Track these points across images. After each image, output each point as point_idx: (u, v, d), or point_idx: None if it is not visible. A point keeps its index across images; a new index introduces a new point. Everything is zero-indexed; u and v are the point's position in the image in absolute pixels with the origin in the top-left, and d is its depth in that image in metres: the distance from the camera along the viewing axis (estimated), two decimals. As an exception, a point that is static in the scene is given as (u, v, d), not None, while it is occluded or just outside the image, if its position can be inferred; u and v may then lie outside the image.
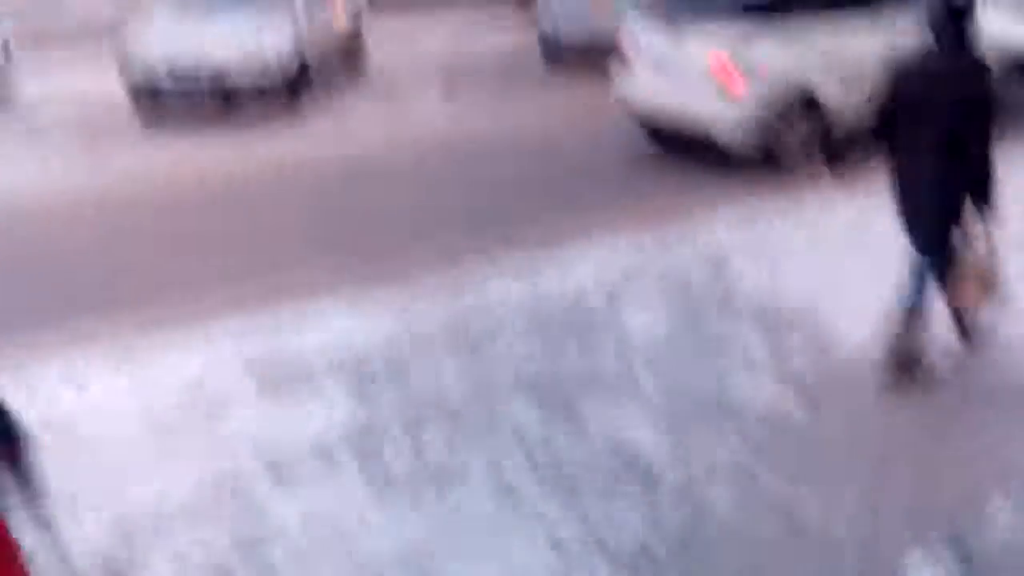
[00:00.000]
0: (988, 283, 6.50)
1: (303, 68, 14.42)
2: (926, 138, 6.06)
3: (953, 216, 6.17)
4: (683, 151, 12.12)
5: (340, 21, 16.01)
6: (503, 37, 18.12)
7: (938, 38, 6.01)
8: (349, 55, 16.18)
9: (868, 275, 8.27)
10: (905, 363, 6.52)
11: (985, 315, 6.97)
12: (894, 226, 9.14)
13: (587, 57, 16.66)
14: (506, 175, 11.74)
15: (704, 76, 10.66)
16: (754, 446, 6.01)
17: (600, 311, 7.94)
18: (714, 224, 9.64)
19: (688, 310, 7.86)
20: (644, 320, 7.74)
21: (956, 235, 6.28)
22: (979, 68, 5.93)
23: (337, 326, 7.91)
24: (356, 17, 16.58)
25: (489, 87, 15.67)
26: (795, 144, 10.78)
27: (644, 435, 6.18)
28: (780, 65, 10.59)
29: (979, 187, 6.03)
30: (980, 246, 6.37)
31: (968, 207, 6.15)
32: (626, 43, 11.44)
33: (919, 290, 6.39)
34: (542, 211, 10.53)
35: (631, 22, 11.33)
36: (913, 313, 6.42)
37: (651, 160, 11.97)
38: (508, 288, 8.48)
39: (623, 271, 8.68)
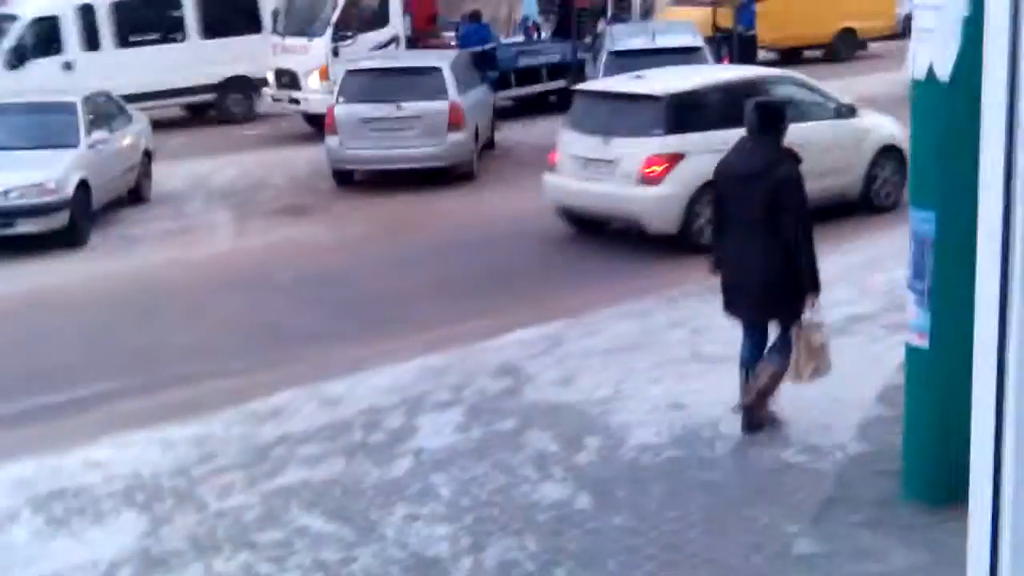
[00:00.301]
0: (816, 358, 6.93)
1: (86, 194, 14.13)
2: (745, 221, 6.95)
3: (774, 291, 6.88)
4: (597, 232, 13.40)
5: (126, 147, 15.79)
6: (297, 168, 18.15)
7: (751, 133, 7.02)
8: (136, 181, 15.93)
9: (661, 374, 8.54)
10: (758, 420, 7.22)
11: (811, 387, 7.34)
12: (688, 325, 9.52)
13: (375, 176, 16.86)
14: (292, 296, 11.71)
15: (632, 171, 12.31)
16: (548, 543, 6.09)
17: (396, 420, 7.96)
18: (509, 336, 9.80)
19: (485, 415, 7.95)
20: (438, 428, 7.79)
21: (782, 310, 6.94)
22: (789, 157, 6.90)
23: (128, 454, 7.70)
24: (144, 144, 16.38)
25: (278, 211, 15.65)
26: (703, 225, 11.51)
27: (441, 541, 6.20)
28: (691, 164, 11.97)
29: (800, 263, 6.75)
30: (808, 323, 6.87)
31: (792, 285, 6.82)
32: (558, 148, 13.29)
33: (751, 359, 7.27)
34: (331, 329, 10.54)
35: (562, 132, 13.39)
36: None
37: (437, 281, 12.15)
38: (301, 403, 8.44)
39: (419, 383, 8.74)
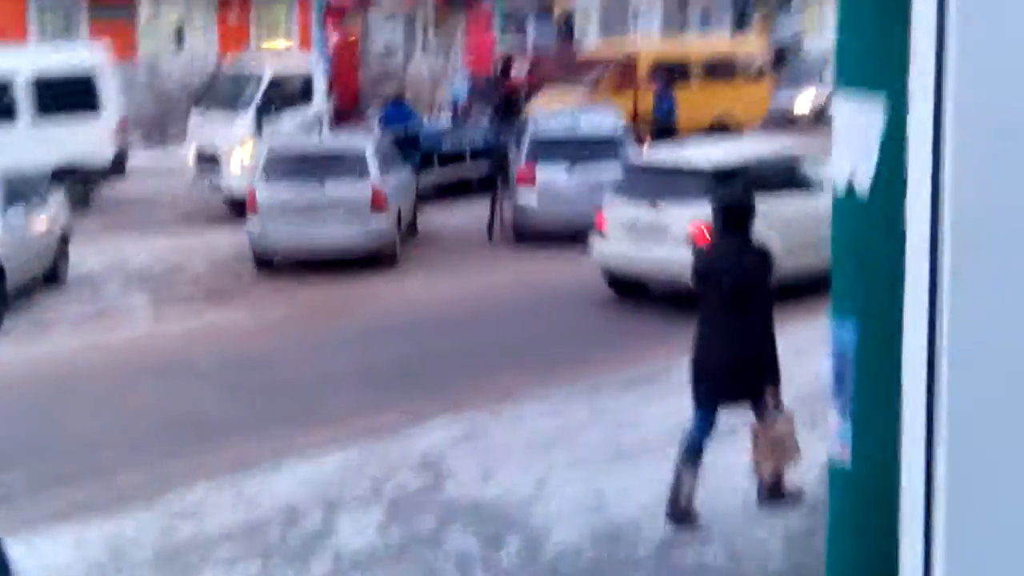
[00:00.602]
0: (777, 453, 7.07)
1: (0, 277, 13.87)
2: (715, 308, 7.42)
3: (739, 375, 7.28)
4: (644, 297, 14.20)
5: (43, 228, 15.56)
6: (218, 252, 17.99)
7: (720, 226, 7.58)
8: (52, 263, 15.67)
9: (583, 470, 8.52)
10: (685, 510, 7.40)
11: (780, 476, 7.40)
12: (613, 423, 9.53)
13: (298, 261, 16.78)
14: (210, 383, 11.56)
15: (682, 234, 12.78)
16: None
17: (314, 518, 7.85)
18: (430, 426, 9.74)
19: (405, 512, 7.87)
20: (357, 526, 7.69)
21: (755, 388, 7.32)
22: (756, 249, 7.52)
23: (37, 554, 7.49)
24: (60, 225, 16.14)
25: (198, 294, 15.48)
26: None
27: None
28: None
29: (764, 352, 7.24)
30: (768, 415, 7.17)
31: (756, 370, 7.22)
32: (606, 214, 14.12)
33: (699, 441, 7.43)
34: (251, 419, 10.41)
35: (610, 199, 14.29)
36: (693, 460, 7.41)
37: (357, 374, 12.07)
38: (217, 499, 8.29)
39: (339, 478, 8.64)
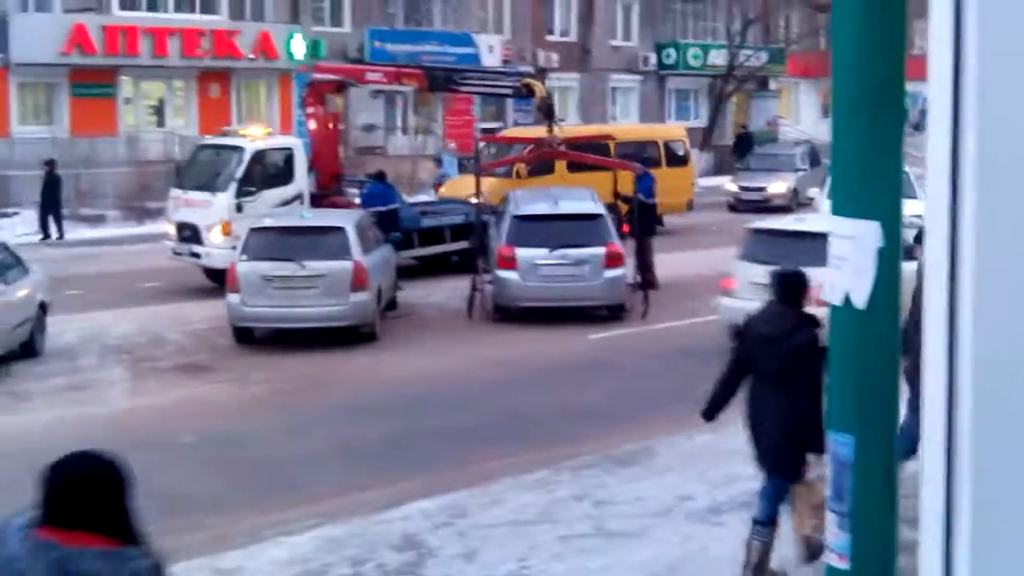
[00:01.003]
0: (819, 514, 7.08)
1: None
2: (765, 380, 7.54)
3: (792, 445, 7.36)
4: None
5: (21, 299, 15.48)
6: (197, 325, 17.95)
7: (776, 297, 7.67)
8: (29, 334, 15.57)
9: (564, 549, 8.45)
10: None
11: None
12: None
13: (277, 334, 16.75)
14: (189, 459, 11.45)
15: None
16: None
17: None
18: (411, 504, 9.66)
19: (384, 596, 7.79)
20: (340, 609, 7.60)
21: (798, 463, 7.41)
22: (809, 320, 7.47)
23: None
24: (39, 296, 16.06)
25: (176, 368, 15.39)
26: None
27: None
28: None
29: (810, 423, 7.04)
30: (817, 478, 7.14)
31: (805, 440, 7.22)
32: (735, 276, 15.13)
33: (771, 508, 7.63)
34: (229, 495, 10.31)
35: (736, 263, 15.34)
36: (769, 528, 7.64)
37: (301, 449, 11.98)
38: (193, 574, 8.18)
39: (318, 556, 8.54)
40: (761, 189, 33.80)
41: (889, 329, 3.50)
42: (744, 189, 34.26)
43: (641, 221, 19.96)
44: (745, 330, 8.00)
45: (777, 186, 33.86)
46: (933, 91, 2.41)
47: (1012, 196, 2.23)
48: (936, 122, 2.37)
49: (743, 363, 7.83)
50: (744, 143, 42.45)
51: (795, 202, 33.10)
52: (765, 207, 32.53)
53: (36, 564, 3.50)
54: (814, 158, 36.06)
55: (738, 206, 33.39)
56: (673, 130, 33.46)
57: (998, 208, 2.24)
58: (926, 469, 2.38)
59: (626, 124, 38.95)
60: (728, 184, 35.64)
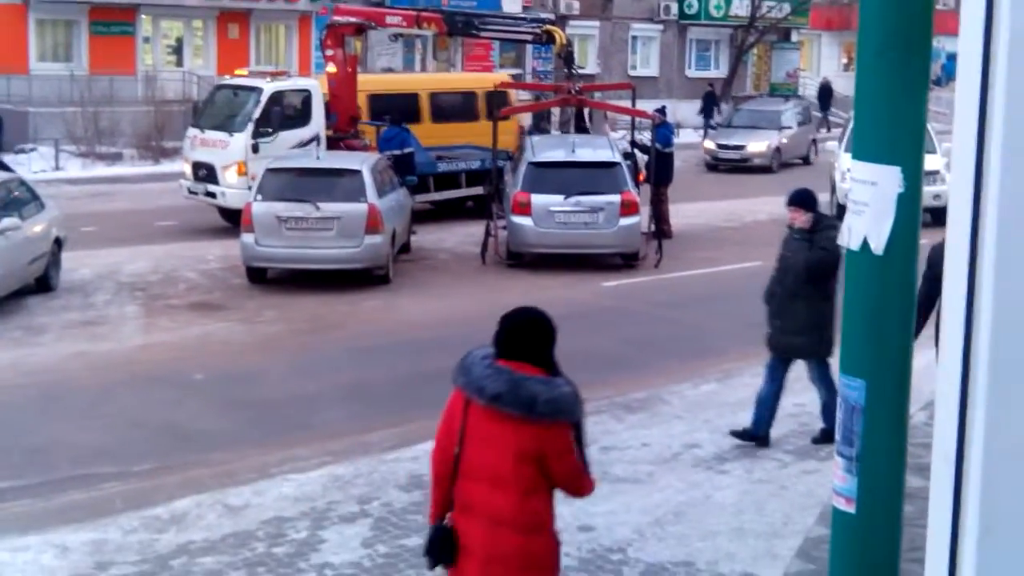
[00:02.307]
0: None
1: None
2: (792, 281, 9.04)
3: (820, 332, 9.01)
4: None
5: (37, 235, 15.51)
6: (211, 264, 18.00)
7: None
8: (44, 270, 15.62)
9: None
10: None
11: None
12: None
13: (289, 275, 16.78)
14: (200, 395, 11.52)
15: None
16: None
17: (301, 532, 7.80)
18: (422, 439, 9.71)
19: (392, 529, 7.83)
20: (346, 540, 7.65)
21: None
22: (827, 230, 8.85)
23: (21, 558, 7.44)
24: (54, 232, 16.10)
25: (189, 306, 15.44)
26: None
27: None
28: None
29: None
30: None
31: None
32: None
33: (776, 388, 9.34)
34: (239, 432, 10.37)
35: None
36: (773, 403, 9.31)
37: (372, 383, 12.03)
38: (206, 509, 8.25)
39: (326, 494, 8.60)
40: (740, 148, 32.06)
41: (906, 275, 3.48)
42: (722, 147, 32.47)
43: (657, 170, 19.88)
44: (783, 245, 9.25)
45: (757, 145, 32.08)
46: (963, 45, 2.37)
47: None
48: (965, 76, 2.33)
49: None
50: (709, 101, 40.86)
51: (777, 162, 31.98)
52: (744, 167, 31.73)
53: (497, 381, 4.82)
54: (806, 116, 35.13)
55: (718, 165, 32.12)
56: (497, 79, 27.05)
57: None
58: (938, 419, 2.38)
59: (437, 75, 34.02)
60: (707, 142, 34.08)
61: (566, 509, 8.16)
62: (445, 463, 5.05)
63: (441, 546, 5.00)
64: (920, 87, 3.50)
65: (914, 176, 3.45)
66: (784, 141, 32.87)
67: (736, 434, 9.57)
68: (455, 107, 24.92)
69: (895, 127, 3.50)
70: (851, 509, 3.54)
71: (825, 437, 9.09)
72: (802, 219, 9.18)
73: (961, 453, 2.25)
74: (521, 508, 4.84)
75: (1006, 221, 2.16)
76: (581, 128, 23.46)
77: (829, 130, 39.85)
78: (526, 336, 4.98)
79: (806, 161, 33.68)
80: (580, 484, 5.00)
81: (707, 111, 39.80)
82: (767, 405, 9.47)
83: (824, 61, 52.32)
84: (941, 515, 2.29)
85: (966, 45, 2.31)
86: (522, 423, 4.79)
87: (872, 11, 3.50)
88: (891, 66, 3.45)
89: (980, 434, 2.21)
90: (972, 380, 2.24)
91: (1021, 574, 2.21)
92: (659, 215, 19.81)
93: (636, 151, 20.60)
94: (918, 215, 3.56)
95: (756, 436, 9.50)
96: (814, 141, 34.70)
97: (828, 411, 9.04)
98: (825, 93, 43.46)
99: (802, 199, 9.30)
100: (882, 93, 3.51)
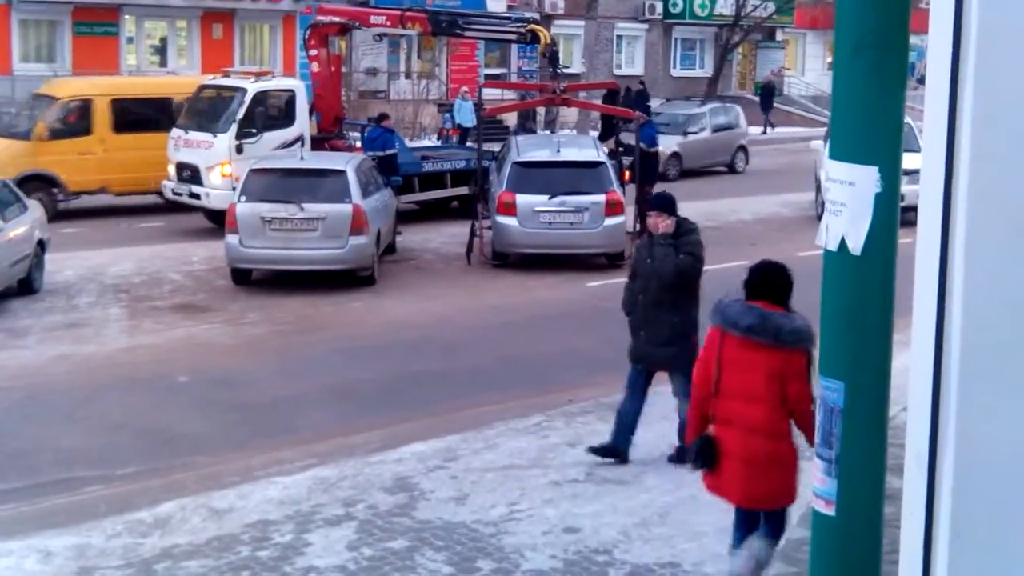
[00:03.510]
0: None
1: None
2: (657, 288, 8.80)
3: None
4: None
5: (20, 236, 15.43)
6: (195, 265, 17.94)
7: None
8: (27, 271, 15.54)
9: (556, 494, 8.48)
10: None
11: None
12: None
13: (274, 276, 16.73)
14: (184, 398, 11.48)
15: None
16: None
17: (285, 535, 7.77)
18: (404, 447, 9.69)
19: (377, 532, 7.80)
20: (331, 543, 7.62)
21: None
22: (689, 234, 8.90)
23: (3, 564, 7.39)
24: (37, 234, 16.02)
25: (174, 307, 15.38)
26: None
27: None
28: None
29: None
30: None
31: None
32: None
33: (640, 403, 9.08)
34: (223, 435, 10.34)
35: None
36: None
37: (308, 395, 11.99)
38: (190, 513, 8.21)
39: (311, 492, 8.57)
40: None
41: (884, 275, 3.47)
42: (619, 149, 30.39)
43: (643, 169, 19.88)
44: (636, 257, 9.35)
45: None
46: (932, 41, 2.37)
47: (1006, 151, 2.20)
48: (934, 74, 2.32)
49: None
50: (640, 99, 39.73)
51: (677, 169, 29.36)
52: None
53: (749, 316, 6.19)
54: (731, 121, 32.42)
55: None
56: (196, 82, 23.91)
57: (992, 164, 2.21)
58: (912, 409, 2.37)
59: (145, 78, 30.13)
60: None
61: (551, 511, 8.17)
62: (706, 386, 6.40)
63: (706, 452, 6.33)
64: (897, 86, 3.49)
65: (892, 176, 3.44)
66: (685, 147, 30.27)
67: (595, 450, 9.16)
68: (146, 116, 22.75)
69: (872, 127, 3.48)
70: (831, 512, 3.53)
71: (680, 456, 8.47)
72: (665, 224, 8.82)
73: (934, 458, 2.24)
74: (771, 419, 6.17)
75: (974, 224, 2.16)
76: (528, 129, 23.47)
77: (764, 132, 39.61)
78: (770, 281, 6.32)
79: (732, 169, 31.57)
80: (806, 408, 6.06)
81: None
82: (628, 421, 9.07)
83: (809, 60, 52.41)
84: (914, 520, 2.28)
85: (935, 43, 2.30)
86: (770, 349, 6.14)
87: (848, 9, 3.49)
88: (868, 65, 3.44)
89: (951, 440, 2.21)
90: (944, 388, 2.24)
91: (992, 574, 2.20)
92: (644, 215, 19.79)
93: (620, 150, 20.60)
94: (896, 215, 3.55)
95: (617, 452, 9.11)
96: (742, 148, 32.36)
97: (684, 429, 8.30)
98: (768, 93, 42.55)
99: (663, 203, 9.01)
100: (859, 92, 3.50)
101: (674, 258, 8.72)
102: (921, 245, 2.26)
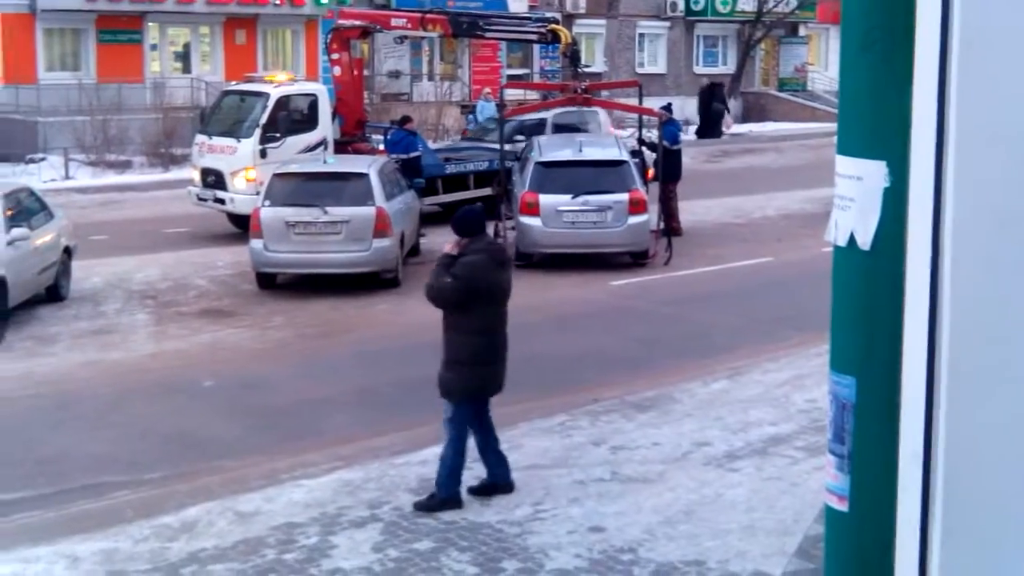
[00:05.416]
0: None
1: (2, 292, 13.87)
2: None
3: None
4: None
5: (46, 244, 15.55)
6: (221, 270, 18.03)
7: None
8: (55, 279, 15.66)
9: (581, 493, 8.48)
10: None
11: None
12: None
13: (299, 280, 16.79)
14: (210, 402, 11.54)
15: None
16: None
17: (311, 538, 7.81)
18: (431, 443, 9.71)
19: (402, 533, 7.83)
20: (357, 545, 7.65)
21: None
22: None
23: (32, 570, 7.46)
24: (64, 241, 16.14)
25: (199, 312, 15.46)
26: None
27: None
28: None
29: None
30: None
31: None
32: None
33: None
34: (249, 439, 10.39)
35: None
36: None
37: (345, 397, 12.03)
38: (216, 516, 8.26)
39: (336, 494, 8.60)
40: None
41: (894, 270, 3.45)
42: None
43: (665, 168, 19.85)
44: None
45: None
46: (920, 35, 2.36)
47: (991, 149, 2.19)
48: (922, 67, 2.32)
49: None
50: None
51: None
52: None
53: None
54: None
55: None
56: None
57: (978, 166, 2.20)
58: (905, 409, 2.37)
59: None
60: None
61: (576, 510, 8.18)
62: None
63: None
64: (905, 80, 3.47)
65: (900, 170, 3.42)
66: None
67: (474, 490, 8.59)
68: None
69: (880, 121, 3.46)
70: (844, 507, 3.52)
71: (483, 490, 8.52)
72: (450, 244, 8.99)
73: (929, 455, 2.24)
74: None
75: (962, 222, 2.16)
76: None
77: (721, 134, 39.21)
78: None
79: None
80: None
81: None
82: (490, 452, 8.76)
83: (832, 55, 52.12)
84: (910, 516, 2.28)
85: (923, 37, 2.30)
86: None
87: (855, 4, 3.47)
88: (875, 59, 3.42)
89: (942, 438, 2.20)
90: (936, 386, 2.23)
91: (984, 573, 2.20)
92: (668, 213, 19.77)
93: (644, 149, 20.57)
94: (905, 210, 3.53)
95: (504, 484, 8.67)
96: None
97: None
98: (705, 96, 40.55)
99: (457, 223, 9.10)
100: (866, 87, 3.48)
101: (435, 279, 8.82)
102: (912, 238, 2.26)
